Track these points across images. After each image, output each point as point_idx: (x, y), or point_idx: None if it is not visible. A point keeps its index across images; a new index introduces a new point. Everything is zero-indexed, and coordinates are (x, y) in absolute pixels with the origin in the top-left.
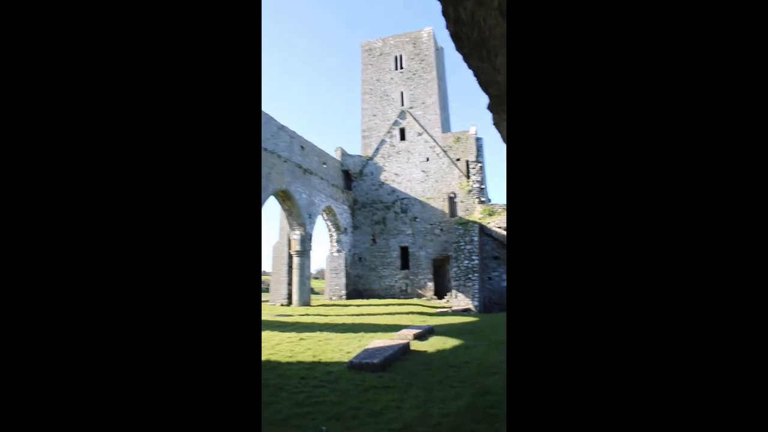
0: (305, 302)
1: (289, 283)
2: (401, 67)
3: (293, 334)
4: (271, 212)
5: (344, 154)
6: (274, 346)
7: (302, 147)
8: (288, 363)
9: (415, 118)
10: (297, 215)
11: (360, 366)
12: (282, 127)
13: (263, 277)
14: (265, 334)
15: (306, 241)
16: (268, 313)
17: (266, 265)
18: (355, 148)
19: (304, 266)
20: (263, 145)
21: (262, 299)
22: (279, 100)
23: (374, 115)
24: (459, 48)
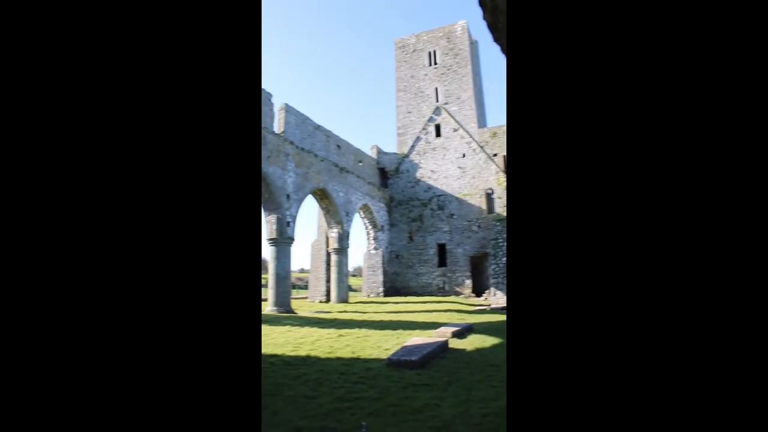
0: (343, 299)
1: (328, 281)
2: (435, 63)
3: (332, 331)
4: (310, 210)
5: (380, 152)
6: (314, 342)
7: (338, 146)
8: (327, 359)
9: (450, 114)
10: (334, 213)
11: (399, 363)
12: (318, 127)
13: (302, 275)
14: (305, 330)
15: (344, 238)
16: (307, 309)
17: (305, 262)
18: (390, 146)
19: (342, 264)
20: (300, 144)
21: (301, 296)
22: (314, 100)
23: (409, 112)
24: (497, 39)
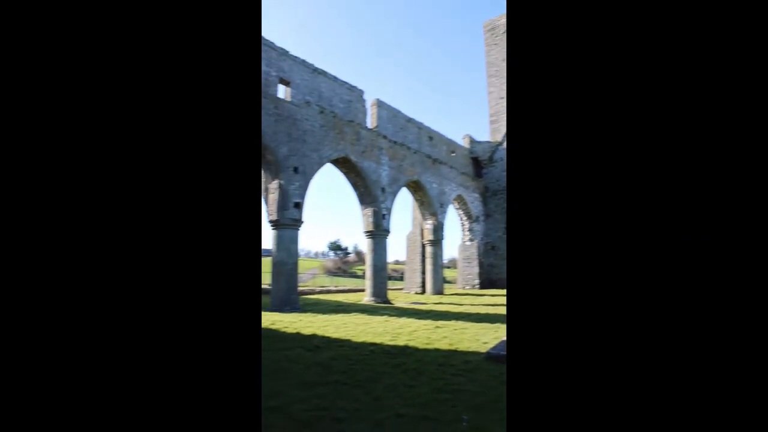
0: (438, 291)
1: (423, 272)
2: None
3: (429, 322)
4: (404, 203)
5: (472, 141)
6: (411, 333)
7: (430, 137)
8: (425, 349)
9: None
10: (428, 205)
11: (498, 358)
12: (409, 120)
13: (397, 266)
14: (402, 321)
15: (438, 230)
16: (403, 300)
17: (400, 254)
18: (483, 135)
19: (437, 255)
20: (393, 138)
21: (397, 287)
22: (404, 93)
23: (501, 98)
24: None
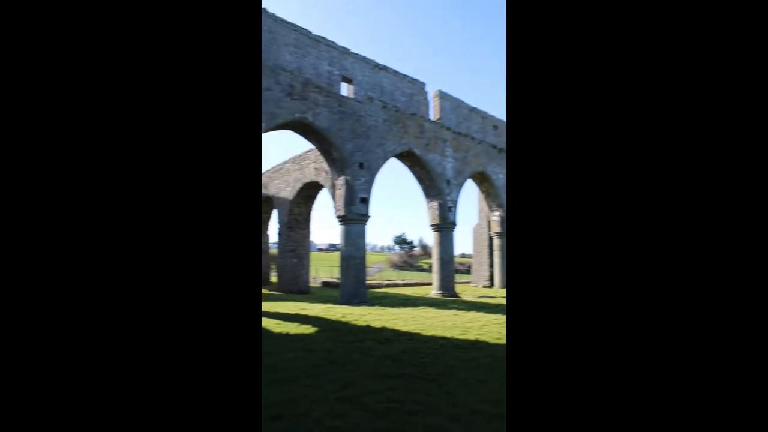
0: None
1: (491, 265)
2: None
3: (499, 316)
4: (470, 194)
5: None
6: (481, 327)
7: (495, 126)
8: (497, 344)
9: None
10: (495, 196)
11: None
12: (473, 109)
13: (463, 259)
14: (471, 315)
15: (506, 222)
16: (470, 293)
17: (467, 247)
18: None
19: (505, 248)
20: (456, 129)
21: (464, 281)
22: (465, 81)
23: None
24: None
